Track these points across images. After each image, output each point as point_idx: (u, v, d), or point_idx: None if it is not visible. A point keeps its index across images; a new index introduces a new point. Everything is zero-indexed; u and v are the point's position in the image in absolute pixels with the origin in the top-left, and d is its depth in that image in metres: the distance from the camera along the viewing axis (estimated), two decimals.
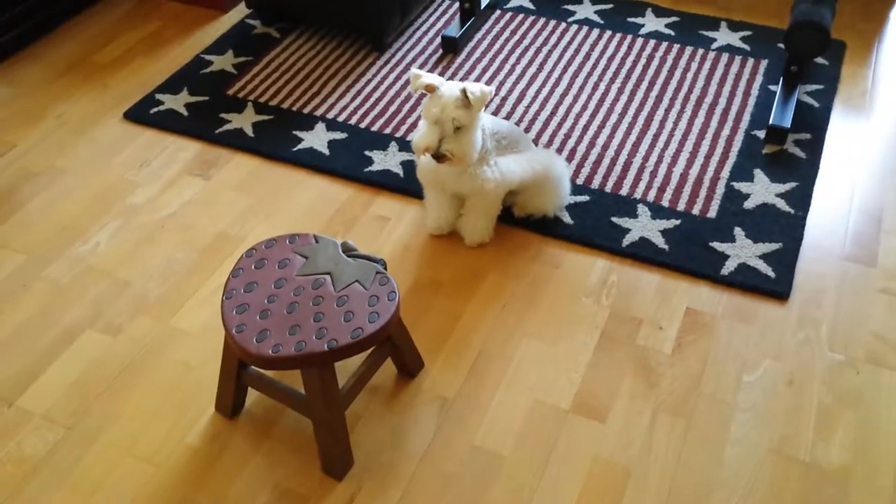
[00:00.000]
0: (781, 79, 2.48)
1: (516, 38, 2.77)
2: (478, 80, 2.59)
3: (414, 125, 2.43)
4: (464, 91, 1.76)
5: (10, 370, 1.82)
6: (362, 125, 2.44)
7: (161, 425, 1.70)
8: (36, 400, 1.75)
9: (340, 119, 2.46)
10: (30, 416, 1.72)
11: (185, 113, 2.51)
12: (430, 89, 1.79)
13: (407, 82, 2.59)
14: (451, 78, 2.60)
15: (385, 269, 1.59)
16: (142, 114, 2.51)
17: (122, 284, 2.00)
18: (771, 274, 1.96)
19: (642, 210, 2.13)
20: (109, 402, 1.75)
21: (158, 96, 2.58)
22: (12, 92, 2.64)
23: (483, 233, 2.05)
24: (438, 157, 1.79)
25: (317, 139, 2.40)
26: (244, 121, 2.47)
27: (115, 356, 1.84)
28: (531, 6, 2.91)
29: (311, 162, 2.32)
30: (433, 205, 2.06)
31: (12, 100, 2.61)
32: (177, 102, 2.55)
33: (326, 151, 2.35)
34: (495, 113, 2.45)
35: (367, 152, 2.34)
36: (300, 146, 2.37)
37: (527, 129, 2.39)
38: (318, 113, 2.49)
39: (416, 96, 2.53)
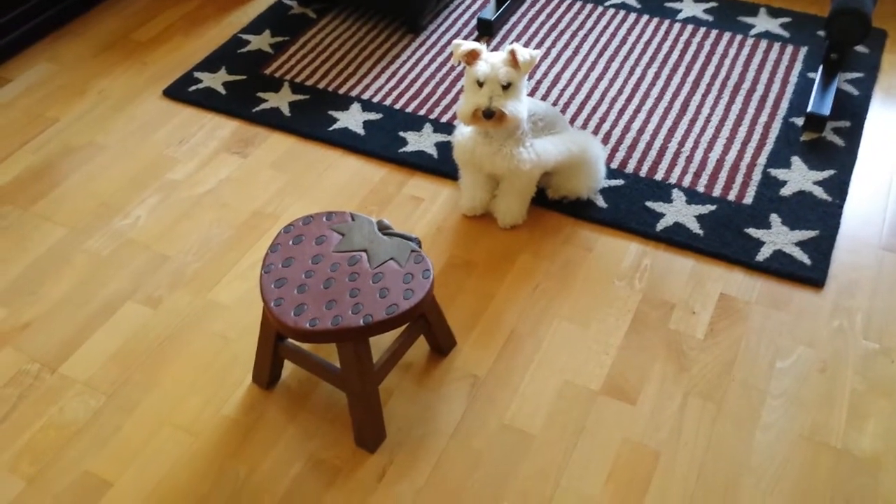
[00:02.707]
0: (821, 66, 2.45)
1: (552, 21, 2.76)
2: None
3: (448, 107, 2.44)
4: (512, 52, 1.78)
5: (53, 338, 1.86)
6: (397, 106, 2.45)
7: (199, 395, 1.74)
8: (78, 368, 1.80)
9: (376, 100, 2.48)
10: (72, 382, 1.77)
11: (223, 91, 2.54)
12: (475, 55, 1.81)
13: (442, 64, 2.60)
14: None
15: (420, 247, 1.61)
16: (180, 91, 2.55)
17: (161, 258, 2.04)
18: (806, 261, 1.95)
19: (677, 195, 2.13)
20: (149, 371, 1.79)
21: (197, 74, 2.61)
22: (54, 68, 2.68)
23: (516, 215, 2.06)
24: (489, 114, 1.80)
25: (352, 119, 2.41)
26: (281, 100, 2.50)
27: (155, 327, 1.88)
28: None
29: (346, 142, 2.34)
30: (468, 185, 2.07)
31: (54, 75, 2.65)
32: (215, 81, 2.58)
33: (361, 132, 2.37)
34: (530, 95, 2.45)
35: (401, 133, 2.36)
36: (335, 126, 2.39)
37: (562, 112, 2.39)
38: (354, 93, 2.51)
39: (452, 76, 2.54)
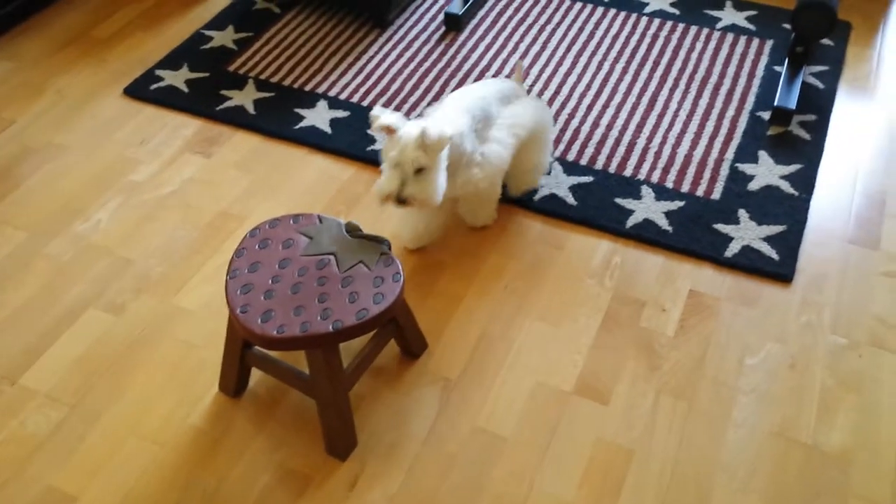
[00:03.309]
0: (787, 59, 2.46)
1: (520, 15, 2.74)
2: (481, 58, 2.57)
3: (417, 104, 2.41)
4: (423, 132, 1.64)
5: (12, 348, 1.81)
6: (364, 103, 2.42)
7: (164, 404, 1.70)
8: (39, 378, 1.75)
9: (342, 97, 2.44)
10: (33, 394, 1.72)
11: (186, 89, 2.49)
12: (389, 131, 1.67)
13: (410, 59, 2.57)
14: (454, 56, 2.57)
15: (390, 249, 1.59)
16: (142, 90, 2.49)
17: (123, 262, 1.99)
18: (774, 256, 1.96)
19: (646, 191, 2.12)
20: (113, 380, 1.75)
21: (158, 72, 2.55)
22: (11, 66, 2.61)
23: (486, 217, 2.03)
24: (401, 201, 1.68)
25: (318, 117, 2.38)
26: (245, 98, 2.45)
27: (118, 335, 1.84)
28: None
29: (312, 140, 2.30)
30: (409, 214, 1.94)
31: (11, 74, 2.58)
32: (177, 79, 2.53)
33: (328, 130, 2.33)
34: None
35: (369, 131, 2.32)
36: (302, 124, 2.36)
37: None
38: (320, 90, 2.47)
39: (420, 72, 2.51)
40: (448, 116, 1.81)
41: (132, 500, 1.55)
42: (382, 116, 1.68)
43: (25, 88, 2.53)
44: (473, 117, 1.85)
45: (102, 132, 2.37)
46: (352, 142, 2.29)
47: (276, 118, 2.38)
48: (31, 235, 2.07)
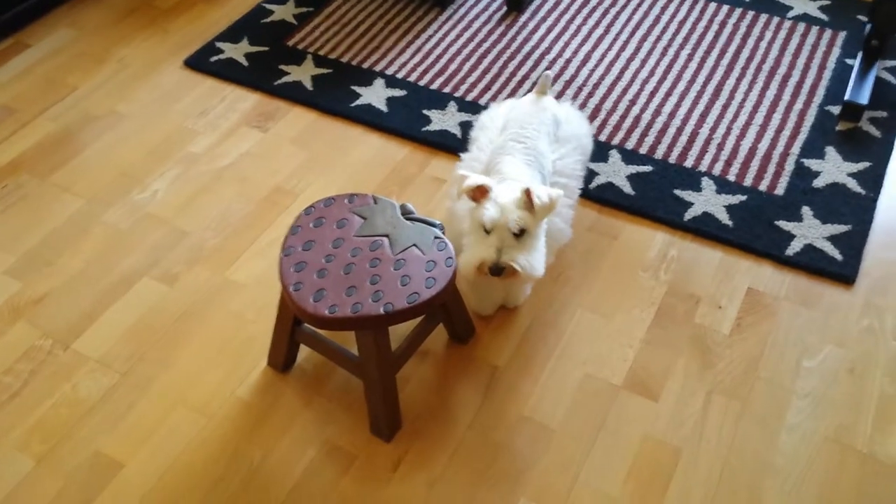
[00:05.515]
0: (860, 53, 2.37)
1: None
2: (542, 39, 2.52)
3: (474, 85, 2.38)
4: (528, 192, 1.45)
5: (67, 313, 1.84)
6: (421, 83, 2.40)
7: (214, 376, 1.72)
8: (91, 344, 1.78)
9: (400, 76, 2.42)
10: (85, 359, 1.75)
11: (245, 63, 2.49)
12: (482, 192, 1.48)
13: (469, 40, 2.53)
14: (514, 37, 2.53)
15: (443, 233, 1.57)
16: (202, 62, 2.50)
17: (179, 233, 2.01)
18: (838, 257, 1.90)
19: (707, 183, 2.07)
20: (164, 350, 1.77)
21: (219, 44, 2.56)
22: (75, 34, 2.64)
23: (522, 295, 1.82)
24: (497, 271, 1.46)
25: (375, 95, 2.36)
26: (303, 73, 2.44)
27: (171, 305, 1.85)
28: None
29: (368, 118, 2.29)
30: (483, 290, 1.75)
31: (74, 42, 2.61)
32: (237, 52, 2.53)
33: (384, 108, 2.32)
34: (559, 75, 2.39)
35: (425, 111, 2.30)
36: (358, 102, 2.34)
37: (590, 94, 2.33)
38: (378, 68, 2.45)
39: (479, 53, 2.47)
40: (517, 173, 1.60)
41: (178, 468, 1.57)
42: (472, 177, 1.46)
43: (88, 57, 2.56)
44: (542, 177, 1.68)
45: (162, 102, 2.39)
46: (407, 121, 2.27)
47: (333, 95, 2.37)
48: (90, 202, 2.10)
